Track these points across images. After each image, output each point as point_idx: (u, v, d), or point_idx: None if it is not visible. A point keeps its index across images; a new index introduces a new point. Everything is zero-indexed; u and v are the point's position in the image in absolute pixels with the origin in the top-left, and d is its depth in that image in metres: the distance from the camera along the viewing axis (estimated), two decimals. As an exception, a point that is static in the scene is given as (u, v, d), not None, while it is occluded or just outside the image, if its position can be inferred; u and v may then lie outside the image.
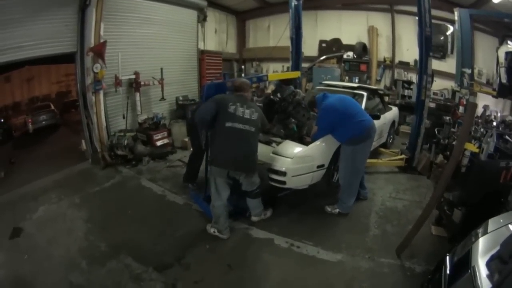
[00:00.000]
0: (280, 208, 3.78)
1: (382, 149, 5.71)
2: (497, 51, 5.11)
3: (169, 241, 3.17)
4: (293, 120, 4.13)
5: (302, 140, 3.90)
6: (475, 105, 3.14)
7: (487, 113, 6.48)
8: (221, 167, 3.05)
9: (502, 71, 4.72)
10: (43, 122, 9.72)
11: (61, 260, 2.86)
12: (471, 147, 3.00)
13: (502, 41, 5.08)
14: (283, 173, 3.46)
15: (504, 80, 4.69)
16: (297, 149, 3.63)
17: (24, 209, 3.79)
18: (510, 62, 4.57)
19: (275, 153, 3.60)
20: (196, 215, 3.70)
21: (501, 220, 2.17)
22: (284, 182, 3.51)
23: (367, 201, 4.02)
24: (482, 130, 3.59)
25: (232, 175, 3.13)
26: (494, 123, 5.64)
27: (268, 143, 3.91)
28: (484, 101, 6.76)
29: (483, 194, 2.86)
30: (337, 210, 3.72)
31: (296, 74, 5.35)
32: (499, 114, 6.27)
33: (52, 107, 10.68)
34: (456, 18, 5.86)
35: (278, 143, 3.87)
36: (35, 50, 4.67)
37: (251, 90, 3.85)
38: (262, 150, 3.45)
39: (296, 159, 3.50)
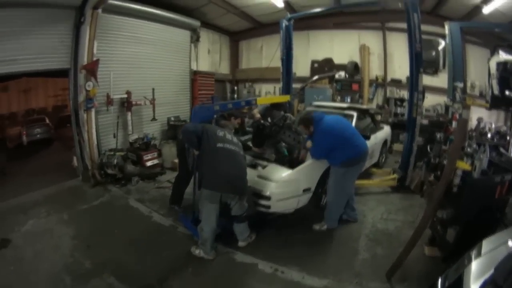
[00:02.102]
0: (265, 231, 3.70)
1: (374, 169, 5.66)
2: (488, 63, 5.09)
3: (153, 263, 3.11)
4: (284, 144, 4.09)
5: (293, 163, 3.85)
6: (465, 121, 3.09)
7: (481, 125, 6.47)
8: (215, 190, 2.98)
9: (494, 82, 4.68)
10: (38, 136, 9.70)
11: (46, 275, 2.86)
12: (463, 165, 2.91)
13: (493, 52, 5.06)
14: (268, 198, 3.40)
15: (496, 92, 4.65)
16: (282, 173, 3.59)
17: (13, 221, 3.84)
18: (502, 72, 4.53)
19: (260, 176, 3.57)
20: (182, 237, 3.62)
21: (496, 240, 2.09)
22: (268, 207, 3.45)
23: (357, 224, 3.93)
24: (474, 146, 3.53)
25: (224, 199, 3.07)
26: (489, 135, 5.60)
27: (253, 166, 3.88)
28: (478, 114, 6.77)
29: (477, 211, 2.78)
30: (325, 227, 3.68)
31: (285, 98, 5.31)
32: (493, 126, 6.26)
33: (47, 121, 10.69)
34: (446, 31, 5.88)
35: (264, 167, 3.83)
36: (29, 64, 4.73)
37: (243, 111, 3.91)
38: (247, 174, 3.37)
39: (281, 183, 3.46)
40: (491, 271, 1.74)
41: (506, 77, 4.42)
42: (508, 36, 6.65)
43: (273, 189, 3.41)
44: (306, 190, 3.60)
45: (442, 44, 7.68)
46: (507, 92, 4.40)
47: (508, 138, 5.22)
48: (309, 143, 3.69)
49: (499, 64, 4.51)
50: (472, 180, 2.84)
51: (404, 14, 4.81)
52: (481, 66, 6.98)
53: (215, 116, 3.60)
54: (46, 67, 5.00)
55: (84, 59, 5.16)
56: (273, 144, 4.22)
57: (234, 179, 3.03)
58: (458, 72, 5.65)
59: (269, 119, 4.24)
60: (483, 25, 6.70)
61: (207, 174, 3.03)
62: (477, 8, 6.30)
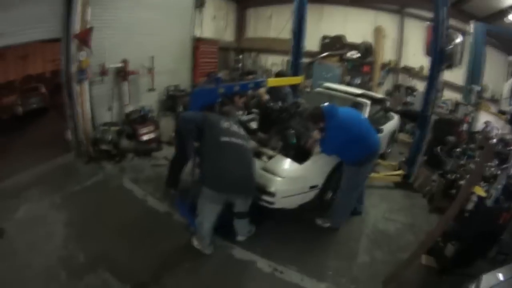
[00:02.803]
0: (265, 224, 3.52)
1: (379, 161, 5.41)
2: None
3: (147, 256, 2.98)
4: (292, 131, 3.80)
5: (299, 152, 3.58)
6: (493, 147, 3.06)
7: (488, 128, 6.34)
8: (221, 191, 2.72)
9: None
10: (33, 105, 9.27)
11: (41, 269, 2.74)
12: (480, 191, 2.86)
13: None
14: (272, 194, 3.18)
15: None
16: (289, 167, 3.34)
17: (6, 206, 3.59)
18: None
19: (265, 169, 3.31)
20: (177, 226, 3.47)
21: (495, 277, 2.02)
22: (272, 203, 3.23)
23: (359, 222, 3.82)
24: (492, 169, 3.39)
25: (230, 200, 2.87)
26: (494, 140, 5.48)
27: (258, 155, 3.56)
28: (486, 116, 6.63)
29: (480, 233, 2.81)
30: (327, 224, 3.56)
31: (297, 80, 4.99)
32: (499, 131, 6.13)
33: (43, 89, 10.20)
34: (471, 31, 5.52)
35: (269, 157, 3.55)
36: (18, 37, 4.24)
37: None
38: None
39: (287, 179, 3.23)
40: None
41: None
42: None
43: (279, 186, 3.18)
44: (313, 187, 3.40)
45: (459, 38, 7.27)
46: None
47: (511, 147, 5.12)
48: (316, 133, 3.41)
49: None
50: (485, 208, 2.83)
51: (425, 2, 4.44)
52: (496, 70, 6.76)
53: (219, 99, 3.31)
54: (36, 37, 4.53)
55: (76, 27, 4.70)
56: (281, 130, 3.89)
57: (243, 180, 2.76)
58: (477, 76, 5.38)
59: (279, 103, 3.93)
60: (510, 32, 6.35)
61: (211, 173, 2.73)
62: (503, 12, 6.00)
